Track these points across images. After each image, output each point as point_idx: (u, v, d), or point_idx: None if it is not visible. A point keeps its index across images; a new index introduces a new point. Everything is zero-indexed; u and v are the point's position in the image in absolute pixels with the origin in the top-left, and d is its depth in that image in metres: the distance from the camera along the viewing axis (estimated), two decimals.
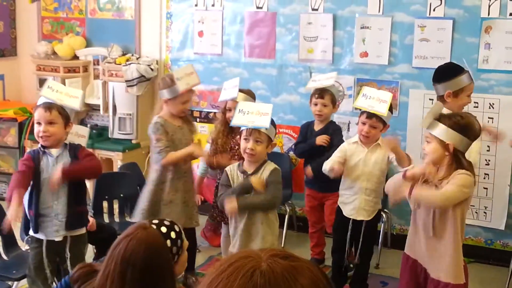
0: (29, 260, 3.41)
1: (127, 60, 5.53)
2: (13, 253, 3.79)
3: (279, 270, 1.02)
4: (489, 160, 4.52)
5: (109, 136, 5.67)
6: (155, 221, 2.12)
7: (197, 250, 4.65)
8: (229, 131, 4.26)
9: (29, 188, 3.30)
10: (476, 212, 4.62)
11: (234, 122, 3.56)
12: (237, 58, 5.40)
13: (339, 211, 3.99)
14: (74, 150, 3.39)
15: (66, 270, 3.29)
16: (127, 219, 4.51)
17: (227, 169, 3.59)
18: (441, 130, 3.01)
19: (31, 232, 3.39)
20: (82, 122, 6.04)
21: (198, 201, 4.74)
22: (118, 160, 5.46)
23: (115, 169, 5.38)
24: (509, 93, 4.49)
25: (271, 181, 3.45)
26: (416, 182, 3.07)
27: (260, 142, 3.45)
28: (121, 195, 4.53)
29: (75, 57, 6.00)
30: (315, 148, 4.32)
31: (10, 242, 3.80)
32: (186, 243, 2.17)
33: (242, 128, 3.55)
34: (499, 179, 4.57)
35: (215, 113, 5.43)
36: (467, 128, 3.02)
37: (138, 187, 4.64)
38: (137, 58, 5.61)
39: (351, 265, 4.05)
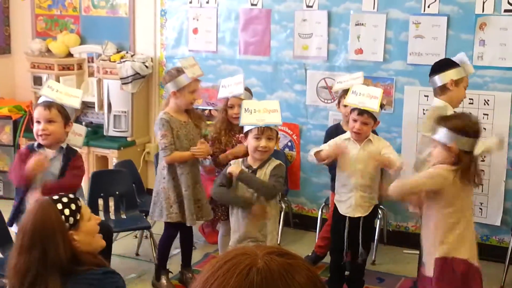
0: None
1: (122, 58, 5.51)
2: (9, 250, 3.77)
3: (276, 268, 1.02)
4: (484, 157, 4.53)
5: (104, 133, 5.66)
6: (55, 197, 2.31)
7: (193, 247, 4.64)
8: (230, 129, 4.23)
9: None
10: (472, 208, 4.62)
11: (244, 122, 3.50)
12: (232, 55, 5.39)
13: (335, 209, 3.98)
14: (68, 156, 3.37)
15: None
16: (123, 216, 4.51)
17: (232, 162, 3.61)
18: (442, 134, 3.12)
19: (14, 228, 3.40)
20: (77, 120, 6.00)
21: None
22: (113, 158, 5.45)
23: (110, 166, 5.37)
24: (503, 90, 4.50)
25: (273, 174, 3.48)
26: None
27: (271, 139, 3.48)
28: (117, 192, 4.52)
29: (70, 55, 5.98)
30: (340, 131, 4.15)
31: (5, 240, 3.79)
32: (86, 210, 2.35)
33: (248, 128, 3.51)
34: (494, 175, 4.58)
35: (210, 110, 5.43)
36: (465, 128, 3.11)
37: (133, 185, 4.65)
38: (131, 56, 5.60)
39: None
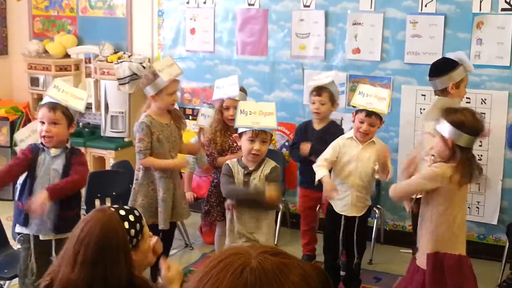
0: (20, 261, 3.39)
1: (119, 58, 5.51)
2: (5, 252, 3.77)
3: (270, 267, 1.01)
4: (481, 155, 4.53)
5: (102, 134, 5.65)
6: (115, 206, 2.15)
7: (190, 248, 4.64)
8: (226, 129, 4.22)
9: (21, 180, 3.30)
10: (469, 207, 4.62)
11: (238, 124, 3.48)
12: (229, 55, 5.39)
13: (330, 208, 3.97)
14: (71, 154, 3.36)
15: None
16: None
17: (228, 162, 3.59)
18: (442, 125, 3.12)
19: (17, 229, 3.37)
20: None
21: (191, 198, 4.74)
22: (110, 158, 5.44)
23: (108, 167, 5.36)
24: (501, 89, 4.50)
25: (270, 179, 3.45)
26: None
27: (265, 142, 3.46)
28: (114, 193, 4.51)
29: (67, 56, 5.97)
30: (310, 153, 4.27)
31: (2, 241, 3.78)
32: (146, 229, 2.18)
33: (242, 129, 3.50)
34: (491, 174, 4.57)
35: None
36: (464, 124, 3.09)
37: (130, 185, 4.63)
38: (129, 56, 5.59)
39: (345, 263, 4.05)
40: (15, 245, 3.76)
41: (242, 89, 4.51)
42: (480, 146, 4.54)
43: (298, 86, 5.13)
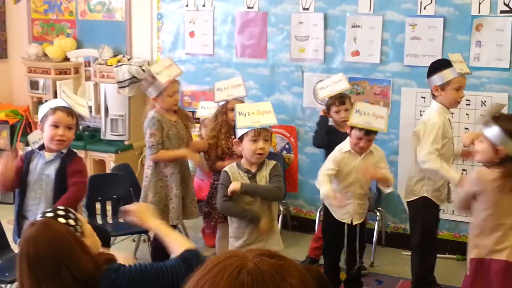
0: None
1: (118, 61, 5.51)
2: (6, 255, 3.77)
3: (267, 269, 1.01)
4: None
5: (102, 137, 5.65)
6: (50, 214, 2.11)
7: None
8: (230, 131, 4.22)
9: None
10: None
11: (240, 125, 3.47)
12: (228, 58, 5.39)
13: (328, 213, 3.98)
14: (66, 159, 3.34)
15: None
16: (120, 220, 4.49)
17: (227, 169, 3.55)
18: (495, 133, 2.98)
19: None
20: None
21: None
22: (110, 162, 5.44)
23: (108, 170, 5.36)
24: (500, 91, 4.50)
25: (273, 174, 3.48)
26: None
27: (268, 140, 3.48)
28: (114, 196, 4.52)
29: (66, 59, 5.97)
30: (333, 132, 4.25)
31: (2, 245, 3.78)
32: (78, 214, 2.19)
33: (243, 131, 3.47)
34: None
35: None
36: None
37: (131, 188, 4.64)
38: (128, 59, 5.59)
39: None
40: (16, 249, 3.75)
41: None
42: None
43: (297, 88, 5.14)
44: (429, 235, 3.93)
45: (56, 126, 3.29)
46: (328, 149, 4.08)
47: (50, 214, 2.10)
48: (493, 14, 4.46)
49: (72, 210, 2.17)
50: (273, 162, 3.55)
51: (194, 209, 4.16)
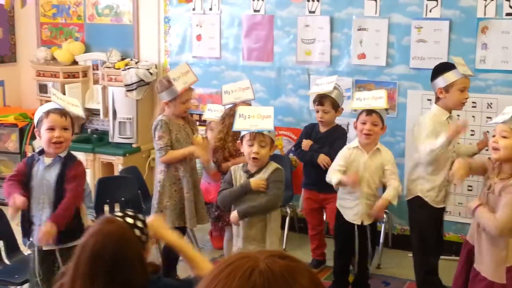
0: (30, 263, 3.42)
1: (126, 65, 5.55)
2: (15, 257, 3.81)
3: (278, 270, 1.02)
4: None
5: (110, 140, 5.69)
6: (119, 214, 2.16)
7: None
8: (237, 135, 4.25)
9: None
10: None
11: (236, 127, 3.54)
12: (235, 61, 5.42)
13: (339, 214, 4.00)
14: (66, 163, 3.33)
15: None
16: None
17: (232, 168, 3.64)
18: None
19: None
20: (83, 127, 6.06)
21: None
22: (118, 164, 5.48)
23: (116, 173, 5.39)
24: (506, 93, 4.50)
25: (272, 180, 3.49)
26: (484, 201, 3.12)
27: (264, 145, 3.47)
28: (122, 198, 4.54)
29: (75, 63, 6.02)
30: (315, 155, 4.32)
31: (12, 247, 3.82)
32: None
33: (243, 133, 3.54)
34: None
35: None
36: None
37: (139, 191, 4.68)
38: (136, 63, 5.63)
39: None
40: (25, 251, 3.79)
41: None
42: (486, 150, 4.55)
43: (304, 91, 5.15)
44: (426, 237, 3.90)
45: (51, 129, 3.28)
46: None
47: (130, 221, 2.12)
48: (498, 17, 4.47)
49: (141, 217, 2.19)
50: (274, 166, 3.55)
51: (205, 214, 4.18)
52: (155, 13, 5.70)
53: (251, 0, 5.26)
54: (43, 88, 5.94)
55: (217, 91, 5.27)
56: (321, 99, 4.31)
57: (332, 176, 3.83)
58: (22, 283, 3.60)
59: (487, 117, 4.52)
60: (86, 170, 3.64)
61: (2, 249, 3.84)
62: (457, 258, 4.60)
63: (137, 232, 2.11)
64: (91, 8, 6.00)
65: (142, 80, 5.46)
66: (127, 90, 5.46)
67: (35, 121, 3.44)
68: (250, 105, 4.25)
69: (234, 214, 3.51)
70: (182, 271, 4.31)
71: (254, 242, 3.52)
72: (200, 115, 5.55)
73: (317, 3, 5.02)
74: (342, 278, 4.05)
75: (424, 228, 3.90)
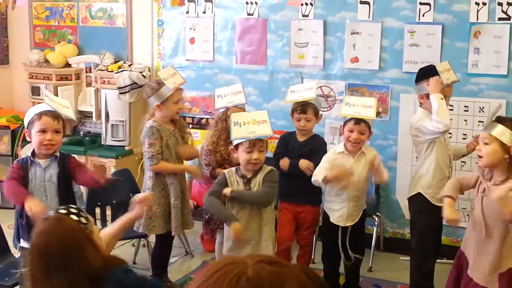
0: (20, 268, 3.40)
1: (119, 68, 5.54)
2: (6, 260, 3.79)
3: (266, 276, 1.01)
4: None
5: (102, 143, 5.68)
6: (62, 210, 2.22)
7: (191, 256, 4.65)
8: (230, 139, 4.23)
9: None
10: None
11: (235, 136, 3.46)
12: (228, 64, 5.42)
13: (326, 216, 4.00)
14: (64, 160, 3.36)
15: None
16: None
17: (226, 171, 3.61)
18: (503, 132, 3.00)
19: (23, 244, 3.36)
20: (75, 130, 6.05)
21: (192, 206, 4.76)
22: (111, 167, 5.46)
23: (108, 175, 5.37)
24: (498, 97, 4.52)
25: (267, 179, 3.49)
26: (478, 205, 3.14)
27: (262, 150, 3.47)
28: (114, 201, 4.53)
29: (67, 65, 6.01)
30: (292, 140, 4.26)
31: (3, 249, 3.80)
32: (90, 217, 2.28)
33: (240, 140, 3.47)
34: None
35: (207, 119, 5.46)
36: None
37: (131, 194, 4.65)
38: (129, 65, 5.63)
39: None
40: (16, 253, 3.77)
41: None
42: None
43: None
44: (426, 240, 3.93)
45: (43, 131, 3.28)
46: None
47: (63, 211, 2.20)
48: (491, 21, 4.49)
49: (83, 209, 2.27)
50: (268, 168, 3.55)
51: (191, 219, 4.15)
52: (148, 16, 5.70)
53: (244, 3, 5.27)
54: (35, 91, 5.93)
55: (210, 94, 5.27)
56: (303, 107, 4.16)
57: (318, 175, 3.80)
58: (12, 286, 3.58)
59: (479, 121, 4.54)
60: None
61: None
62: (449, 261, 4.64)
63: (74, 217, 2.17)
64: (85, 11, 5.99)
65: (135, 83, 5.45)
66: (120, 93, 5.45)
67: (26, 122, 3.42)
68: (244, 109, 4.22)
69: (227, 190, 3.48)
70: (174, 273, 4.31)
71: (247, 245, 3.52)
72: (193, 118, 5.56)
73: (310, 7, 5.03)
74: (331, 281, 4.04)
75: (426, 232, 3.92)
